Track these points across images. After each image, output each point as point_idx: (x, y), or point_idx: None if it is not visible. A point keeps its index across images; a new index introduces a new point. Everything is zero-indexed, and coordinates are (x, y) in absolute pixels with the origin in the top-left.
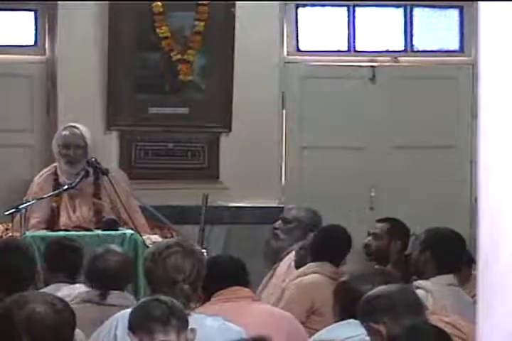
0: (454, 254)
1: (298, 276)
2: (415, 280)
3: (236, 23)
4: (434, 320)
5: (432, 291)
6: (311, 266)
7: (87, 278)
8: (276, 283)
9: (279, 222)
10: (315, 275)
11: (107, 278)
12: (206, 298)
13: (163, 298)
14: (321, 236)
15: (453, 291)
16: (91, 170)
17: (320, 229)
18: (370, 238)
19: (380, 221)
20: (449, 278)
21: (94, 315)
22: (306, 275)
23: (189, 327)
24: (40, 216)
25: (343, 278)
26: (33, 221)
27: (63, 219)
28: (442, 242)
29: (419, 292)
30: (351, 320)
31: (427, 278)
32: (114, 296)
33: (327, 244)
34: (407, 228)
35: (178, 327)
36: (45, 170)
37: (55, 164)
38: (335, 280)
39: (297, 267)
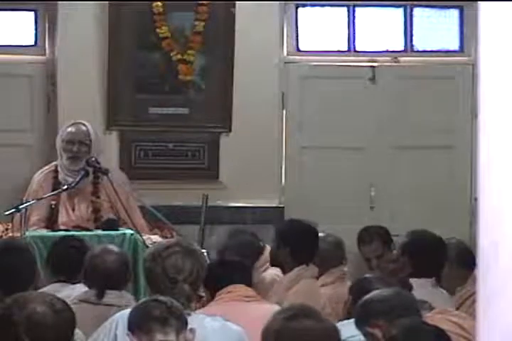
0: (432, 258)
1: (290, 286)
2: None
3: (236, 23)
4: (440, 319)
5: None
6: (299, 271)
7: (85, 278)
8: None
9: None
10: (308, 281)
11: (103, 278)
12: (210, 297)
13: (162, 298)
14: (307, 239)
15: (430, 293)
16: (90, 170)
17: (295, 234)
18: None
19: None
20: (425, 281)
21: (91, 315)
22: (298, 282)
23: (189, 327)
24: (40, 214)
25: (360, 278)
26: (32, 219)
27: (62, 218)
28: (421, 247)
29: None
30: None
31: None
32: (111, 296)
33: (310, 246)
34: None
35: (177, 327)
36: (45, 167)
37: (55, 162)
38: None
39: (273, 265)
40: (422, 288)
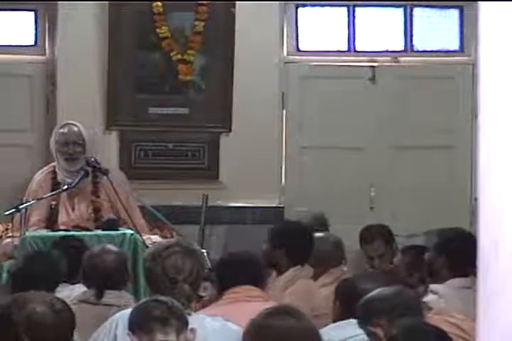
0: (469, 257)
1: (286, 287)
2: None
3: (236, 23)
4: (439, 320)
5: (445, 295)
6: (294, 272)
7: (84, 278)
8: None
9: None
10: (304, 281)
11: (102, 278)
12: (218, 296)
13: (162, 298)
14: (302, 239)
15: (465, 294)
16: (90, 170)
17: (293, 233)
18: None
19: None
20: (464, 280)
21: (90, 315)
22: (294, 282)
23: (189, 327)
24: (40, 214)
25: (346, 277)
26: (32, 219)
27: (62, 218)
28: (457, 245)
29: (432, 297)
30: (352, 320)
31: (441, 282)
32: (110, 296)
33: (305, 247)
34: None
35: (178, 327)
36: (44, 168)
37: (53, 163)
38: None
39: (268, 265)
40: (458, 291)
